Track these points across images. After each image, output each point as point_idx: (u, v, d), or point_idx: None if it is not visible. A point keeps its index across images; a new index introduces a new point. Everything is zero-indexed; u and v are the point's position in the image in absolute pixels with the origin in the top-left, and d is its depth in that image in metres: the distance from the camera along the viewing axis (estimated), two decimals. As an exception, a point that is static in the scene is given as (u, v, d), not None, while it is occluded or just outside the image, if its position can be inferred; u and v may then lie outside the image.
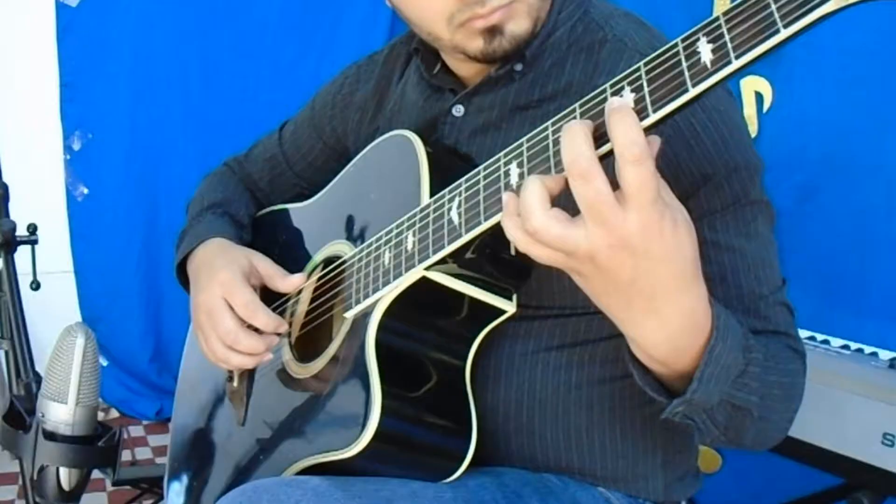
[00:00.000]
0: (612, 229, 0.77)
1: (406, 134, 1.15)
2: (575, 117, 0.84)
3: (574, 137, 0.77)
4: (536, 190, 0.81)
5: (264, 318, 1.20)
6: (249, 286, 1.24)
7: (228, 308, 1.22)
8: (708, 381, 0.91)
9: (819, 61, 1.98)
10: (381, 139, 1.21)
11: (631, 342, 0.92)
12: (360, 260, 1.13)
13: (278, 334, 1.23)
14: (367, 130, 1.39)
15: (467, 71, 1.23)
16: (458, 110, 1.22)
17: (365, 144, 1.26)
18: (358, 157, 1.27)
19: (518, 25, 1.11)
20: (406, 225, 1.05)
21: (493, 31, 1.10)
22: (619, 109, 0.76)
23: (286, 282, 1.27)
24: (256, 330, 1.22)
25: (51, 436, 1.34)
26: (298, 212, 1.42)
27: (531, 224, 0.80)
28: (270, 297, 1.28)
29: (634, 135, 0.75)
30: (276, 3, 3.15)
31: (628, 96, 0.78)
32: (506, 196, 0.86)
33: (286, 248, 1.39)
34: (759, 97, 2.14)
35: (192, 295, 1.31)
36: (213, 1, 3.09)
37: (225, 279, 1.23)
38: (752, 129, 2.15)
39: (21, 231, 1.91)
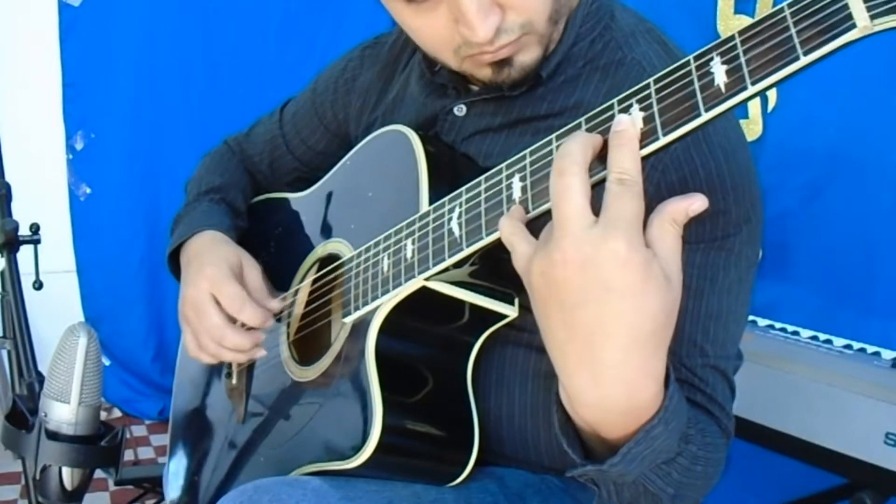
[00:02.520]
0: (571, 235, 0.71)
1: (404, 130, 1.13)
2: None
3: (572, 139, 0.75)
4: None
5: (251, 312, 1.19)
6: (237, 281, 1.22)
7: (215, 303, 1.20)
8: (632, 459, 0.79)
9: (824, 60, 1.97)
10: (378, 133, 1.19)
11: (561, 387, 0.80)
12: (358, 265, 1.11)
13: (277, 319, 1.22)
14: (368, 119, 1.37)
15: None
16: (460, 110, 1.19)
17: (365, 133, 1.24)
18: (355, 149, 1.24)
19: (527, 56, 1.07)
20: (405, 232, 1.03)
21: (501, 63, 1.06)
22: (622, 134, 0.73)
23: (265, 304, 1.23)
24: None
25: (53, 435, 1.34)
26: (294, 203, 1.40)
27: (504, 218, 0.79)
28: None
29: (629, 161, 0.72)
30: (279, 5, 3.14)
31: (637, 115, 0.75)
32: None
33: (281, 241, 1.38)
34: (763, 97, 2.13)
35: (181, 288, 1.30)
36: (217, 1, 3.09)
37: (212, 274, 1.22)
38: (757, 129, 2.15)
39: (24, 230, 1.91)
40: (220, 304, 1.20)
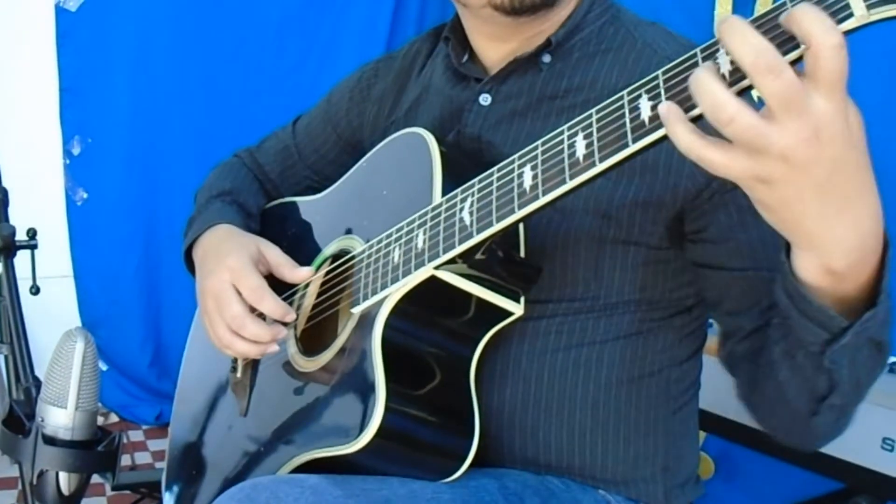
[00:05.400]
0: (807, 121, 0.71)
1: (420, 132, 1.15)
2: (591, 123, 0.84)
3: (745, 34, 0.70)
4: (719, 83, 0.72)
5: (271, 303, 1.20)
6: (258, 272, 1.23)
7: (236, 293, 1.21)
8: (887, 297, 0.85)
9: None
10: (395, 136, 1.21)
11: (810, 255, 0.82)
12: (369, 256, 1.13)
13: (285, 324, 1.22)
14: (384, 124, 1.39)
15: (494, 54, 1.24)
16: (486, 99, 1.22)
17: (381, 138, 1.26)
18: (371, 152, 1.27)
19: None
20: (417, 223, 1.05)
21: None
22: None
23: (294, 272, 1.26)
24: (264, 317, 1.22)
25: (50, 440, 1.33)
26: (309, 205, 1.42)
27: (727, 112, 0.71)
28: (277, 289, 1.27)
29: (832, 23, 0.69)
30: (277, 9, 3.15)
31: (645, 105, 0.77)
32: (664, 106, 0.76)
33: (295, 240, 1.39)
34: (761, 103, 2.14)
35: (199, 280, 1.31)
36: (214, 5, 3.09)
37: (233, 264, 1.23)
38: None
39: (20, 236, 1.91)
40: (242, 295, 1.21)
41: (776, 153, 0.72)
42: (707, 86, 0.72)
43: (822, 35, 0.68)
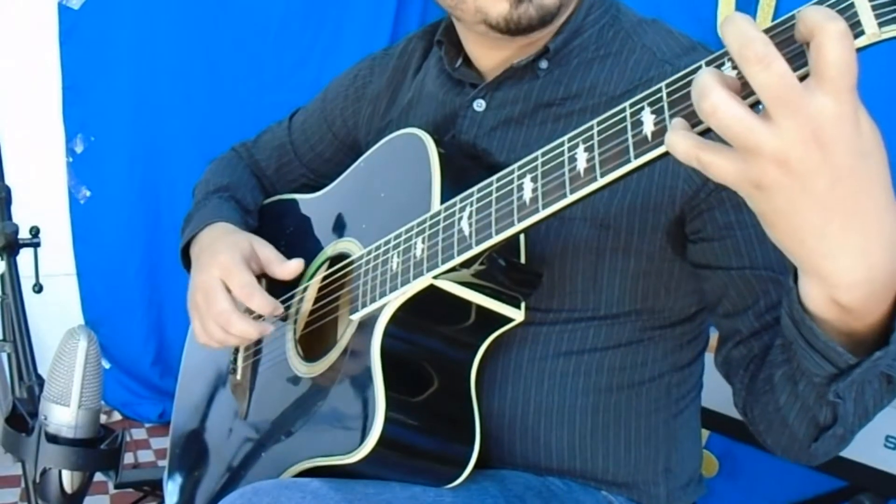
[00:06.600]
0: (805, 120, 0.64)
1: (418, 133, 1.14)
2: (592, 135, 0.82)
3: (738, 24, 0.65)
4: (711, 74, 0.67)
5: (260, 300, 1.19)
6: (249, 269, 1.22)
7: (225, 289, 1.21)
8: None
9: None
10: (392, 136, 1.20)
11: (814, 283, 0.76)
12: (367, 262, 1.12)
13: (283, 319, 1.22)
14: (380, 124, 1.38)
15: (489, 62, 1.22)
16: (480, 105, 1.21)
17: (377, 138, 1.25)
18: (369, 152, 1.26)
19: None
20: (416, 231, 1.04)
21: None
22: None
23: (283, 268, 1.25)
24: (257, 316, 1.21)
25: (53, 438, 1.33)
26: (307, 203, 1.42)
27: (709, 99, 0.66)
28: (275, 292, 1.27)
29: (834, 12, 0.64)
30: (279, 8, 3.15)
31: (648, 118, 0.76)
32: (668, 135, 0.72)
33: (293, 240, 1.39)
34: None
35: (191, 276, 1.30)
36: (217, 4, 3.09)
37: (224, 261, 1.22)
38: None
39: (23, 234, 1.91)
40: (231, 292, 1.20)
41: (769, 154, 0.66)
42: (699, 78, 0.67)
43: (822, 22, 0.63)
